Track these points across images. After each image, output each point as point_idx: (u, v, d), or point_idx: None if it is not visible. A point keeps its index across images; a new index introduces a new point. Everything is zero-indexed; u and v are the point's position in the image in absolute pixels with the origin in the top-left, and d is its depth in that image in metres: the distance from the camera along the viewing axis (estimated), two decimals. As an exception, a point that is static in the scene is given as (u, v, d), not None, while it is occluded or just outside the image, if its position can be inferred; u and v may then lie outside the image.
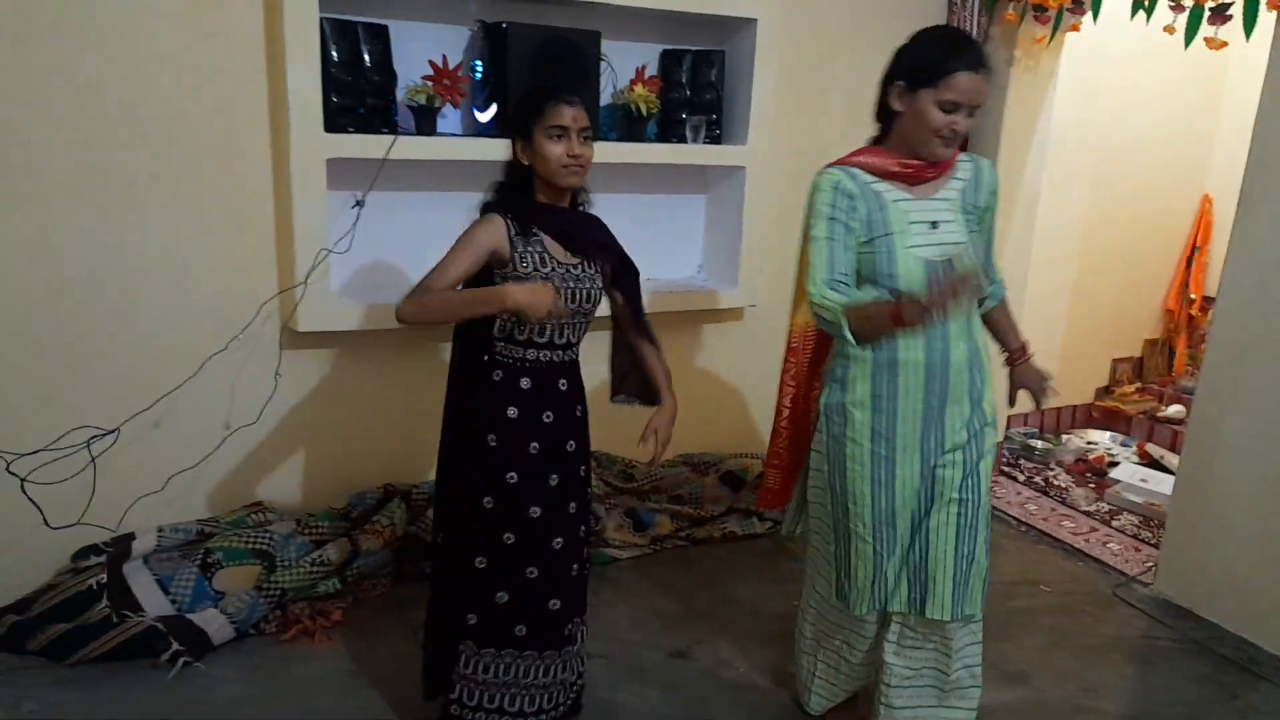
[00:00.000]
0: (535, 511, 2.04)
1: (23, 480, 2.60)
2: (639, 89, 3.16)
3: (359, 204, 2.86)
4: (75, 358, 2.66)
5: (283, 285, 2.85)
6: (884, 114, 1.98)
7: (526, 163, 1.98)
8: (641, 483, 3.45)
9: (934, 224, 1.94)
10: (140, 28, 2.56)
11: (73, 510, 2.67)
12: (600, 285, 2.10)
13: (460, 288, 1.97)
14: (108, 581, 2.59)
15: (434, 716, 2.18)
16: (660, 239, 3.53)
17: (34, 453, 2.60)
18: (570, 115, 1.93)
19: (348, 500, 3.06)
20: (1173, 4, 3.04)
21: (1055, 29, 3.48)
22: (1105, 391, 4.95)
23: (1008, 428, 4.50)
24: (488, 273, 2.01)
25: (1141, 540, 3.58)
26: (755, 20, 3.25)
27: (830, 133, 3.59)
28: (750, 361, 3.70)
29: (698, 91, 3.31)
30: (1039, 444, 4.43)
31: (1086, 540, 3.57)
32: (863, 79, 3.56)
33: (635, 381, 2.30)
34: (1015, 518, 3.74)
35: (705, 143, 3.33)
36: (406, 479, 3.15)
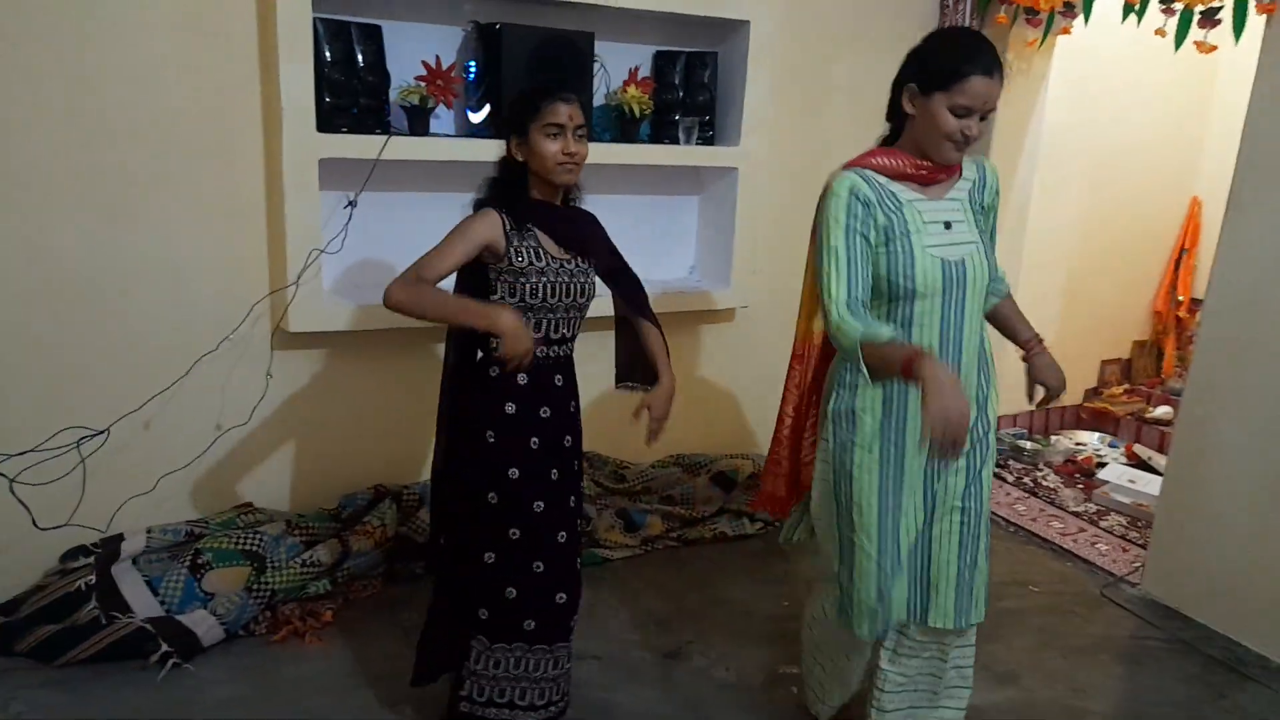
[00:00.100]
0: (539, 506, 2.05)
1: (11, 481, 2.58)
2: (632, 90, 3.16)
3: (351, 204, 2.86)
4: (65, 357, 2.65)
5: (274, 285, 2.84)
6: (896, 115, 1.95)
7: (521, 159, 1.99)
8: (633, 483, 3.45)
9: (947, 224, 1.92)
10: (135, 28, 2.55)
11: (62, 511, 2.66)
12: (593, 280, 2.11)
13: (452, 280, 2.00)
14: (97, 582, 2.58)
15: (424, 710, 2.18)
16: (653, 240, 3.53)
17: (23, 453, 2.59)
18: (566, 113, 1.94)
19: (338, 501, 3.06)
20: (1163, 7, 3.06)
21: (1046, 32, 3.50)
22: (1094, 393, 4.98)
23: (998, 429, 4.52)
24: (481, 266, 2.01)
25: (1129, 541, 3.60)
26: (748, 22, 3.26)
27: (826, 134, 3.61)
28: (742, 362, 3.71)
29: (691, 93, 3.31)
30: (1028, 445, 4.45)
31: (1075, 541, 3.59)
32: (859, 81, 3.62)
33: (640, 369, 2.29)
34: (1004, 518, 3.76)
35: (698, 144, 3.34)
36: (398, 479, 3.14)
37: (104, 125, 2.57)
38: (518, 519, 2.04)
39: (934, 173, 1.91)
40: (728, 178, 3.44)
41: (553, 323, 2.03)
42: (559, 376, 2.09)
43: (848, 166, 1.94)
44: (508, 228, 1.98)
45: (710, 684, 2.59)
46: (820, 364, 2.12)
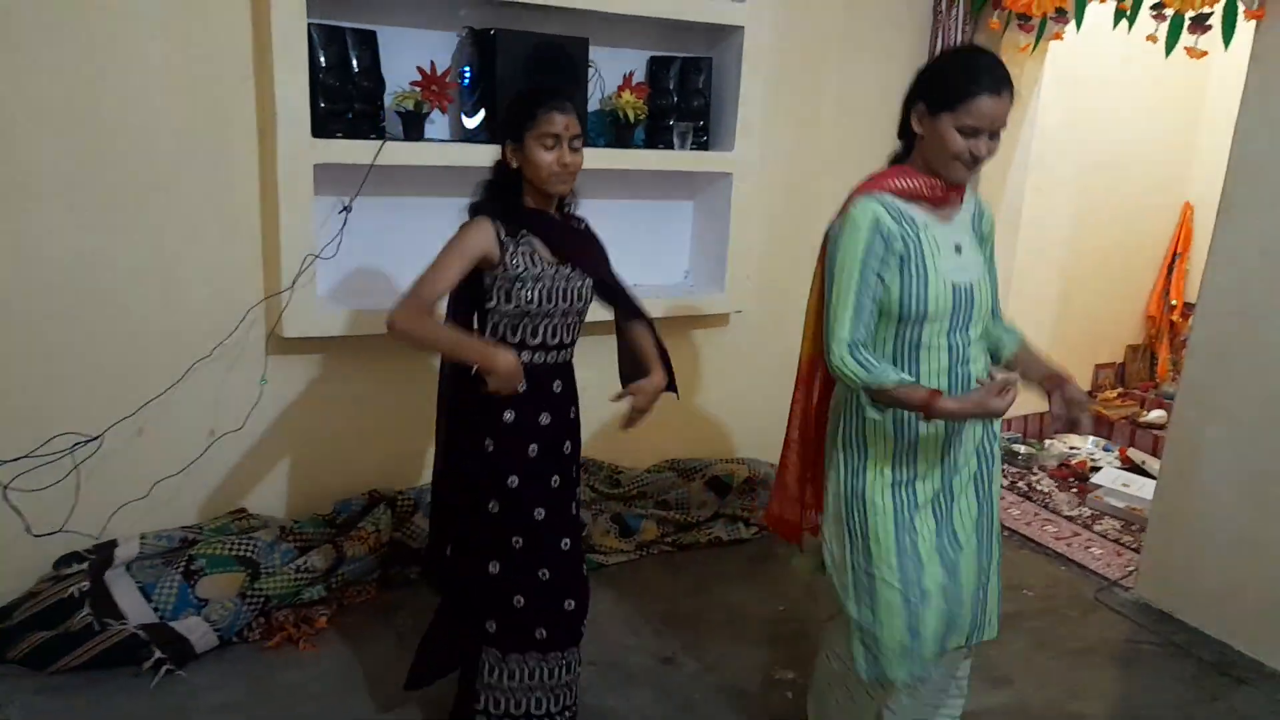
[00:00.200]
0: (540, 513, 2.04)
1: (4, 487, 2.58)
2: (627, 95, 3.17)
3: (346, 209, 2.86)
4: (59, 363, 2.65)
5: (269, 290, 2.84)
6: (906, 133, 1.93)
7: (516, 165, 1.98)
8: (627, 488, 3.46)
9: (958, 248, 1.90)
10: (130, 33, 2.55)
11: (55, 517, 2.66)
12: (590, 285, 2.09)
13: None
14: (90, 589, 2.57)
15: (421, 716, 2.17)
16: (648, 244, 3.53)
17: (16, 459, 2.58)
18: (563, 123, 1.92)
19: (333, 506, 3.05)
20: (1154, 13, 3.08)
21: (1039, 37, 3.52)
22: (1088, 397, 4.99)
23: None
24: (477, 274, 2.00)
25: (1123, 545, 3.61)
26: (743, 28, 3.27)
27: (820, 140, 3.62)
28: (736, 367, 3.72)
29: (685, 98, 3.32)
30: (1022, 449, 4.46)
31: (1069, 545, 3.60)
32: (852, 86, 3.64)
33: (645, 374, 2.24)
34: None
35: (693, 149, 3.34)
36: (392, 485, 3.14)
37: (99, 130, 2.57)
38: (519, 527, 2.03)
39: (946, 193, 1.89)
40: (722, 183, 3.45)
41: (550, 329, 2.02)
42: (558, 382, 2.07)
43: (865, 189, 1.89)
44: (502, 234, 1.97)
45: (706, 688, 2.59)
46: (825, 388, 2.07)
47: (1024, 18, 3.50)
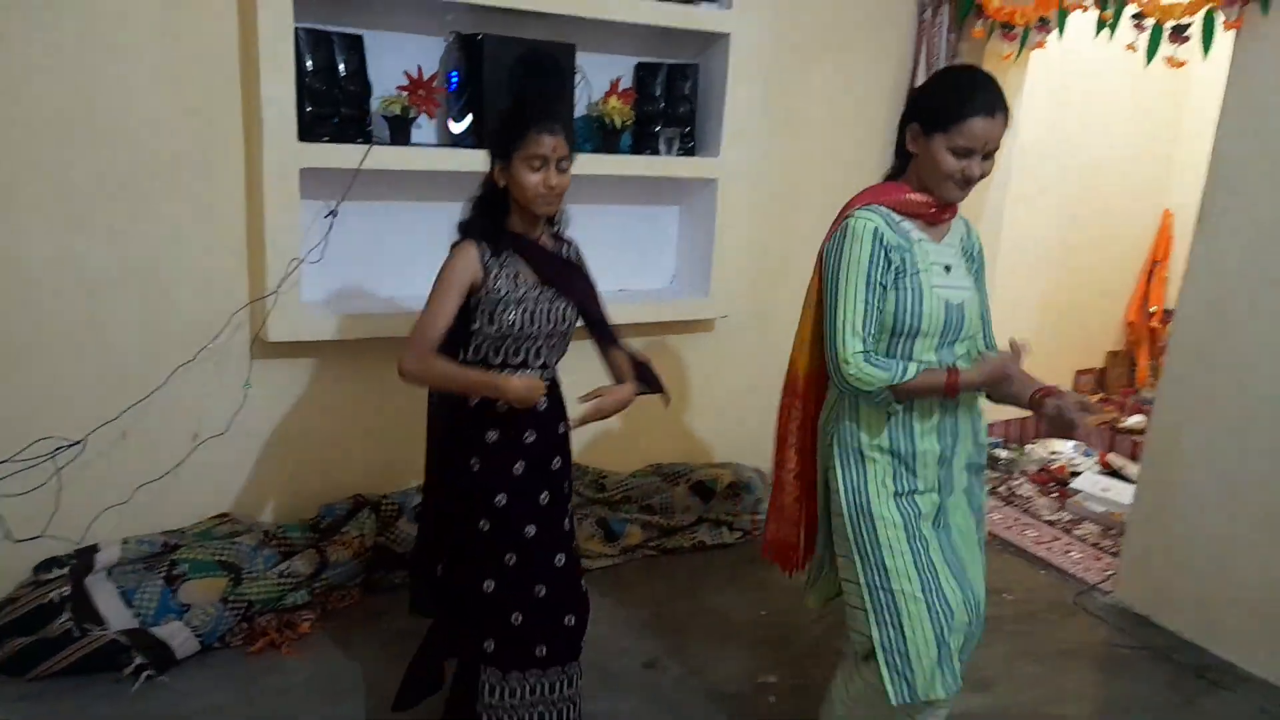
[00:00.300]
0: (530, 531, 2.03)
1: (-16, 491, 2.56)
2: (613, 101, 3.17)
3: (332, 214, 2.85)
4: (41, 367, 2.63)
5: (254, 295, 2.83)
6: (901, 152, 1.94)
7: (503, 184, 1.97)
8: (612, 493, 3.46)
9: (947, 268, 1.91)
10: (114, 35, 2.54)
11: (36, 522, 2.64)
12: (574, 306, 2.09)
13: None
14: (70, 594, 2.55)
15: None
16: (634, 250, 3.55)
17: (-3, 463, 2.57)
18: (550, 145, 1.91)
19: (317, 511, 3.04)
20: (1135, 23, 3.11)
21: (1022, 46, 3.55)
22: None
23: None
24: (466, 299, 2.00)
25: (1102, 549, 3.65)
26: (728, 36, 3.28)
27: (805, 146, 3.64)
28: (722, 372, 3.73)
29: (672, 104, 3.33)
30: (1003, 454, 4.50)
31: (1049, 549, 3.64)
32: (838, 93, 3.66)
33: (645, 380, 2.22)
34: (981, 527, 3.80)
35: (679, 155, 3.36)
36: (377, 489, 3.13)
37: (84, 133, 2.55)
38: (511, 545, 2.03)
39: (941, 211, 1.90)
40: (708, 189, 3.46)
41: (533, 350, 2.02)
42: (543, 399, 2.06)
43: (861, 202, 1.90)
44: (485, 257, 1.97)
45: (691, 692, 2.60)
46: (817, 405, 2.06)
47: (1007, 26, 3.54)
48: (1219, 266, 2.87)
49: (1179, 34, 3.03)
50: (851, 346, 1.83)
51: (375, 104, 2.85)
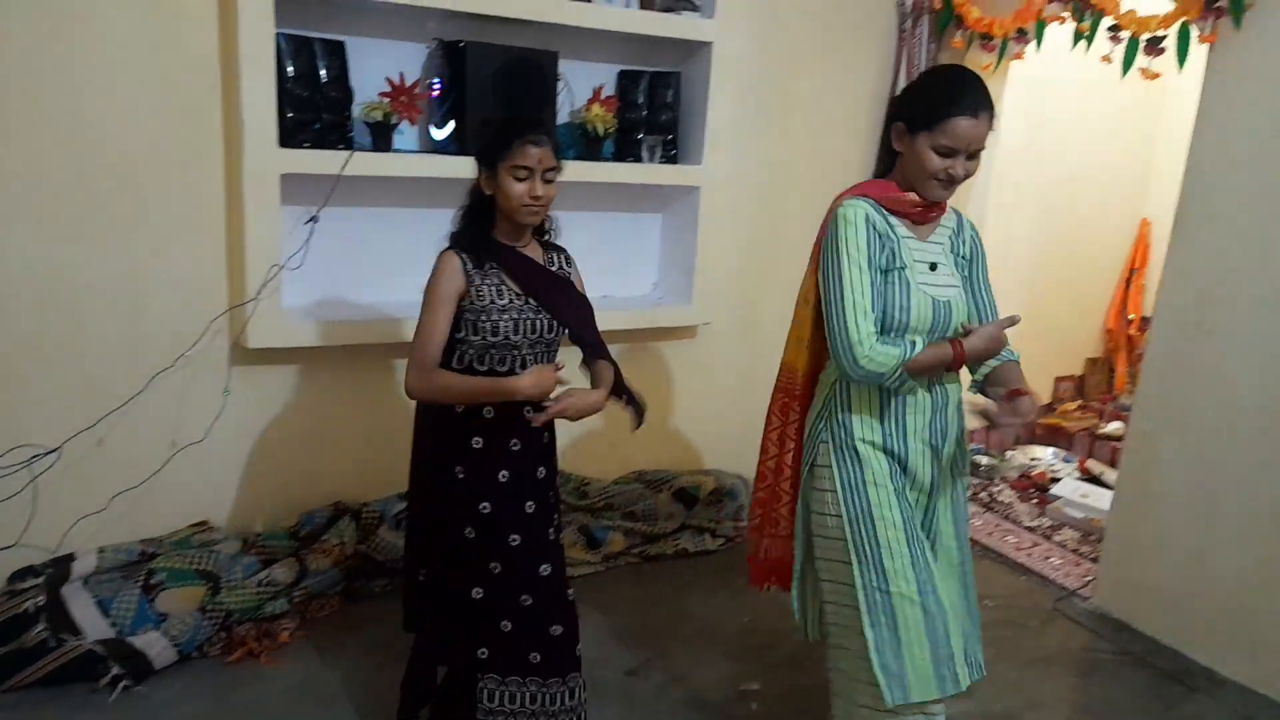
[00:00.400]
0: (515, 539, 2.02)
1: (-42, 500, 2.52)
2: (596, 109, 3.18)
3: (313, 219, 2.84)
4: (16, 373, 2.60)
5: (233, 301, 2.81)
6: (887, 151, 1.95)
7: (489, 193, 1.98)
8: (594, 500, 3.46)
9: (933, 265, 1.92)
10: (94, 39, 2.52)
11: (11, 531, 2.61)
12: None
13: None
14: (46, 604, 2.52)
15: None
16: (617, 257, 3.55)
17: (-30, 471, 2.54)
18: (536, 156, 1.92)
19: (297, 519, 3.02)
20: (1111, 35, 3.15)
21: (1000, 57, 3.58)
22: (1048, 409, 5.08)
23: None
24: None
25: (1081, 555, 3.67)
26: (710, 44, 3.30)
27: (787, 153, 3.66)
28: (704, 379, 3.74)
29: (654, 112, 3.34)
30: (984, 460, 4.53)
31: (1029, 555, 3.66)
32: (819, 102, 3.69)
33: (625, 392, 2.20)
34: (962, 533, 3.82)
35: (661, 162, 3.37)
36: (357, 497, 3.11)
37: (61, 138, 2.54)
38: (496, 552, 2.02)
39: (926, 210, 1.91)
40: (690, 196, 3.47)
41: (519, 359, 2.02)
42: (529, 408, 2.03)
43: (851, 194, 1.91)
44: (469, 267, 1.97)
45: (673, 700, 2.60)
46: (805, 406, 2.04)
47: (986, 37, 3.58)
48: (1193, 275, 2.91)
49: (1154, 46, 3.07)
50: (864, 328, 1.82)
51: (357, 110, 2.85)
